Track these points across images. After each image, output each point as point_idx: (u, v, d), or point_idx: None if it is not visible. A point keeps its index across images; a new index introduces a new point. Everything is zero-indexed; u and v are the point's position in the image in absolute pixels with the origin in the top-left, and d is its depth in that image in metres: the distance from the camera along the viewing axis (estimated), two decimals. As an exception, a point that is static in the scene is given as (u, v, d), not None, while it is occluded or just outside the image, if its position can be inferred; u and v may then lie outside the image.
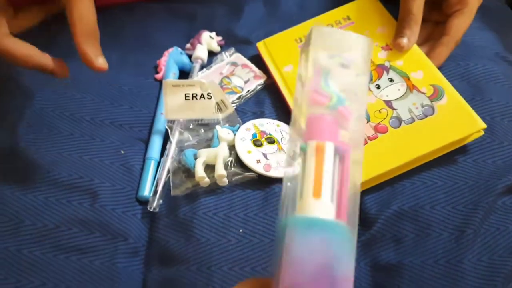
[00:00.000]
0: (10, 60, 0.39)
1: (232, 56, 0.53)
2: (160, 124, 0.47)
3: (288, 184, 0.26)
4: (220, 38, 0.55)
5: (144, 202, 0.44)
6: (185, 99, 0.46)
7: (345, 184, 0.25)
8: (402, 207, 0.41)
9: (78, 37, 0.37)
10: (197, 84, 0.46)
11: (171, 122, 0.47)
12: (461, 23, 0.47)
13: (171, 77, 0.50)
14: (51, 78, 0.41)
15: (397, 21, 0.48)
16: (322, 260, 0.22)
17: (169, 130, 0.47)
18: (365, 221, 0.41)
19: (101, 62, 0.39)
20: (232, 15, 0.56)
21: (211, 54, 0.54)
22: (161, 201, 0.43)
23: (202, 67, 0.53)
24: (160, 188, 0.43)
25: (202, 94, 0.46)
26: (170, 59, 0.52)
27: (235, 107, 0.48)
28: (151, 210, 0.42)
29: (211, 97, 0.46)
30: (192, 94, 0.46)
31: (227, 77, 0.51)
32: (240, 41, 0.55)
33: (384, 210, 0.41)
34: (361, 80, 0.28)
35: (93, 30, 0.38)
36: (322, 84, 0.27)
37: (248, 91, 0.50)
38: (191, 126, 0.47)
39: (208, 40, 0.53)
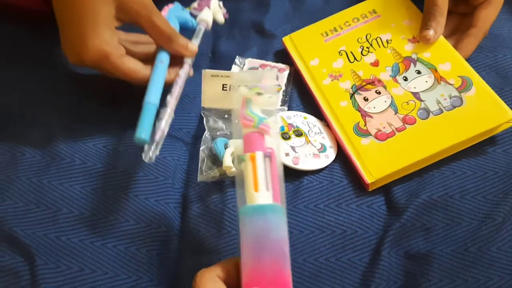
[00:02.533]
0: (131, 80, 0.44)
1: (245, 64, 0.53)
2: (159, 71, 0.45)
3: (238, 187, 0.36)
4: (225, 10, 0.52)
5: (141, 148, 0.42)
6: (222, 89, 0.47)
7: (276, 177, 0.36)
8: (432, 196, 0.41)
9: (168, 39, 0.44)
10: (235, 75, 0.47)
11: (207, 110, 0.48)
12: (488, 14, 0.47)
13: None
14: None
15: (423, 14, 0.48)
16: (264, 232, 0.33)
17: (204, 118, 0.48)
18: (395, 210, 0.41)
19: (191, 47, 0.46)
20: (258, 10, 0.57)
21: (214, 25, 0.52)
22: (157, 152, 0.40)
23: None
24: (157, 138, 0.41)
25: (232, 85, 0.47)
26: (171, 14, 0.50)
27: (286, 105, 0.49)
28: (147, 160, 0.40)
29: None
30: (230, 85, 0.47)
31: None
32: (266, 35, 0.55)
33: (414, 200, 0.41)
34: (273, 99, 0.39)
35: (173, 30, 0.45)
36: (247, 111, 0.37)
37: (285, 84, 0.51)
38: (225, 116, 0.48)
39: (216, 8, 0.52)
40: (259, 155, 0.36)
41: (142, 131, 0.41)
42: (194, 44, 0.47)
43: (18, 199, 0.42)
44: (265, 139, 0.37)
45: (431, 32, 0.47)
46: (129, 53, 0.44)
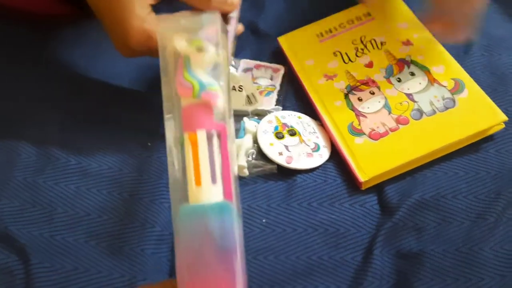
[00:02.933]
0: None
1: (240, 65, 0.53)
2: None
3: (173, 178, 0.28)
4: None
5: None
6: None
7: (227, 165, 0.27)
8: (424, 196, 0.41)
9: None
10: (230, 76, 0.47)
11: None
12: None
13: None
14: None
15: None
16: (205, 242, 0.25)
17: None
18: (387, 210, 0.42)
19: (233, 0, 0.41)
20: (253, 10, 0.57)
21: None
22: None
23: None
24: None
25: (233, 86, 0.48)
26: None
27: (281, 104, 0.49)
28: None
29: (242, 90, 0.48)
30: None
31: (253, 83, 0.51)
32: (260, 35, 0.56)
33: (406, 199, 0.41)
34: (221, 55, 0.30)
35: None
36: (185, 74, 0.28)
37: (280, 84, 0.51)
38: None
39: None
40: (201, 135, 0.27)
41: None
42: None
43: (14, 198, 0.42)
44: (211, 113, 0.28)
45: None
46: None
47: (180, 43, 0.29)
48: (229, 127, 0.28)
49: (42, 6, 0.52)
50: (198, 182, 0.27)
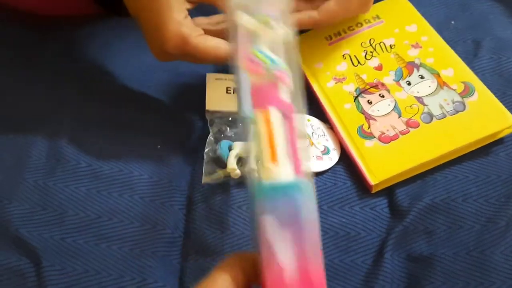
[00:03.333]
0: (200, 58, 0.41)
1: None
2: None
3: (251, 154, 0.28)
4: None
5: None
6: (226, 92, 0.47)
7: (295, 141, 0.27)
8: (434, 200, 0.41)
9: None
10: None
11: (211, 112, 0.48)
12: (331, 9, 0.45)
13: None
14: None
15: None
16: (289, 219, 0.25)
17: (208, 121, 0.48)
18: (397, 213, 0.42)
19: None
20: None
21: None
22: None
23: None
24: None
25: None
26: None
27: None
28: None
29: None
30: (234, 88, 0.47)
31: None
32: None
33: (416, 203, 0.41)
34: (289, 33, 0.29)
35: None
36: (254, 50, 0.28)
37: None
38: (230, 119, 0.49)
39: None
40: (273, 112, 0.27)
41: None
42: None
43: (24, 201, 0.42)
44: (280, 91, 0.28)
45: None
46: (210, 33, 0.42)
47: (247, 18, 0.28)
48: (300, 107, 0.28)
49: (62, 5, 0.52)
50: (274, 159, 0.26)
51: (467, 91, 0.45)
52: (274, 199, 0.26)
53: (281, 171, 0.26)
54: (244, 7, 0.29)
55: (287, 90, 0.28)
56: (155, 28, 0.40)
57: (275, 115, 0.27)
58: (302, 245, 0.25)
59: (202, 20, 0.44)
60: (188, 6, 0.41)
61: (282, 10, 0.30)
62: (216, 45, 0.40)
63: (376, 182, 0.42)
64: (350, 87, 0.48)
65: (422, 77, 0.47)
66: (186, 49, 0.40)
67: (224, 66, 0.53)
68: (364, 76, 0.48)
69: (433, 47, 0.48)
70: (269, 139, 0.27)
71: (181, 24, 0.39)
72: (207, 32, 0.42)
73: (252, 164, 0.43)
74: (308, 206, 0.26)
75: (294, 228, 0.25)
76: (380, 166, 0.43)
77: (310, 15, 0.45)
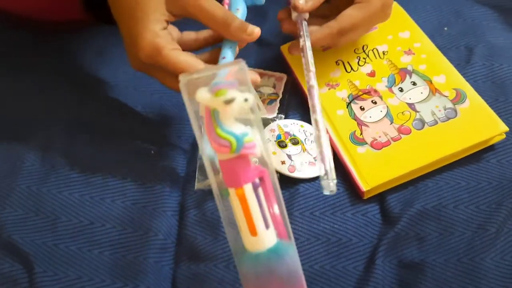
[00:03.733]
0: (170, 72, 0.40)
1: None
2: None
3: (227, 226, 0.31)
4: None
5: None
6: None
7: (273, 206, 0.29)
8: (425, 206, 0.42)
9: (224, 23, 0.41)
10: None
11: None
12: (352, 14, 0.44)
13: (236, 14, 0.43)
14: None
15: None
16: (274, 280, 0.28)
17: (202, 127, 0.48)
18: (389, 219, 0.42)
19: (251, 29, 0.42)
20: (256, 19, 0.57)
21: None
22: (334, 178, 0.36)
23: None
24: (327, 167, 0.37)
25: None
26: None
27: (283, 113, 0.49)
28: (328, 193, 0.36)
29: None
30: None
31: (256, 91, 0.51)
32: (263, 43, 0.56)
33: (408, 209, 0.42)
34: (250, 102, 0.29)
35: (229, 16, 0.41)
36: (217, 129, 0.28)
37: (283, 92, 0.51)
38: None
39: None
40: (248, 189, 0.28)
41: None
42: (255, 27, 0.41)
43: (18, 207, 0.43)
44: (251, 162, 0.30)
45: (301, 1, 0.44)
46: (187, 48, 0.42)
47: (204, 96, 0.28)
48: (269, 164, 0.29)
49: (57, 11, 0.53)
50: (253, 232, 0.28)
51: (459, 98, 0.45)
52: (257, 264, 0.28)
53: (262, 241, 0.28)
54: (198, 83, 0.29)
55: (256, 159, 0.29)
56: (132, 35, 0.40)
57: (249, 191, 0.28)
58: None
59: (190, 35, 0.45)
60: (169, 18, 0.41)
61: (240, 79, 0.30)
62: (187, 62, 0.39)
63: (368, 188, 0.42)
64: (343, 93, 0.48)
65: (414, 84, 0.47)
66: (158, 60, 0.40)
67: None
68: (357, 83, 0.49)
69: (426, 53, 0.49)
70: (246, 216, 0.28)
71: (157, 35, 0.39)
72: (191, 47, 0.42)
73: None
74: (290, 263, 0.28)
75: (283, 284, 0.28)
76: (372, 172, 0.43)
77: (328, 25, 0.45)
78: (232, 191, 0.28)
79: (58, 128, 0.47)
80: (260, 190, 0.29)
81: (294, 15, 0.46)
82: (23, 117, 0.49)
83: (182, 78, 0.30)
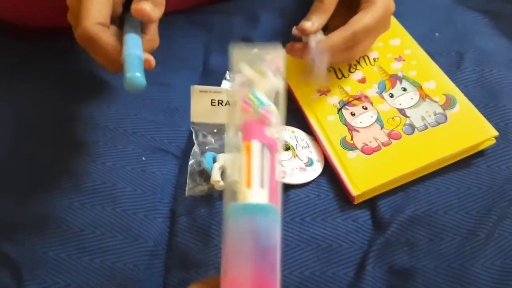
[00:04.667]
0: (92, 49, 0.39)
1: (235, 79, 0.53)
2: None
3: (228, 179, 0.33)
4: None
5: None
6: (211, 104, 0.48)
7: (274, 173, 0.31)
8: (416, 212, 0.42)
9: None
10: (224, 91, 0.48)
11: (196, 124, 0.49)
12: (360, 18, 0.45)
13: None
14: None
15: (311, 7, 0.47)
16: (251, 237, 0.29)
17: (193, 133, 0.48)
18: (379, 225, 0.42)
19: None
20: (249, 25, 0.58)
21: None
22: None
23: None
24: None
25: (228, 100, 0.48)
26: None
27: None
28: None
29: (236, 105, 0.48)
30: (218, 100, 0.48)
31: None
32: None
33: (398, 215, 0.42)
34: (278, 82, 0.35)
35: None
36: (249, 94, 0.33)
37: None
38: (215, 131, 0.49)
39: None
40: (255, 144, 0.31)
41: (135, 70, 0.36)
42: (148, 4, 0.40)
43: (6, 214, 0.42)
44: (265, 127, 0.32)
45: (308, 24, 0.45)
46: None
47: (246, 68, 0.34)
48: (279, 142, 0.33)
49: (52, 17, 0.53)
50: (248, 184, 0.30)
51: (449, 103, 0.45)
52: (241, 217, 0.29)
53: (254, 195, 0.30)
54: (247, 60, 0.35)
55: (271, 127, 0.33)
56: (75, 16, 0.39)
57: (256, 147, 0.31)
58: (258, 263, 0.28)
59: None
60: (109, 11, 0.39)
61: (277, 66, 0.35)
62: (113, 43, 0.38)
63: (358, 193, 0.42)
64: (334, 99, 0.48)
65: (404, 90, 0.47)
66: (90, 46, 0.39)
67: (209, 79, 0.54)
68: (347, 89, 0.49)
69: (416, 60, 0.49)
70: (247, 168, 0.30)
71: (92, 24, 0.37)
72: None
73: (234, 176, 0.44)
74: (270, 228, 0.29)
75: (254, 247, 0.28)
76: (362, 177, 0.43)
77: (341, 29, 0.44)
78: (242, 145, 0.31)
79: (48, 133, 0.47)
80: (266, 152, 0.31)
81: (307, 40, 0.45)
82: (15, 121, 0.49)
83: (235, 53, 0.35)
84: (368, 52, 0.51)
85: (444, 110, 0.45)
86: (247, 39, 0.57)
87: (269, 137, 0.32)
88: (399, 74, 0.48)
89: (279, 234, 0.29)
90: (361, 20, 0.44)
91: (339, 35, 0.44)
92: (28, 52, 0.54)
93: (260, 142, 0.31)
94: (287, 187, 0.45)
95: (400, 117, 0.46)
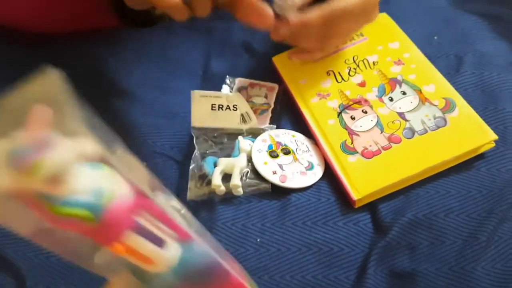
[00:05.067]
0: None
1: (235, 83, 0.53)
2: None
3: None
4: None
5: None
6: (211, 109, 0.48)
7: (164, 219, 0.26)
8: (417, 215, 0.42)
9: None
10: (224, 96, 0.49)
11: (197, 129, 0.49)
12: None
13: None
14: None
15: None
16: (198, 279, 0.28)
17: (194, 137, 0.48)
18: (380, 229, 0.42)
19: None
20: (248, 30, 0.58)
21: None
22: None
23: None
24: None
25: (228, 105, 0.48)
26: None
27: (275, 123, 0.50)
28: None
29: (236, 109, 0.49)
30: (218, 105, 0.48)
31: (248, 101, 0.51)
32: (255, 54, 0.56)
33: (399, 218, 0.42)
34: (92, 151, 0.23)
35: None
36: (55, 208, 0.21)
37: (274, 102, 0.51)
38: (215, 135, 0.49)
39: None
40: (128, 235, 0.24)
41: None
42: None
43: None
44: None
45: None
46: None
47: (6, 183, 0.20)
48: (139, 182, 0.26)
49: (53, 22, 0.53)
50: (149, 262, 0.25)
51: (448, 106, 0.46)
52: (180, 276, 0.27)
53: (164, 261, 0.26)
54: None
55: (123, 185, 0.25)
56: None
57: (129, 236, 0.25)
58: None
59: None
60: None
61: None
62: None
63: (359, 197, 0.43)
64: (334, 103, 0.49)
65: (404, 93, 0.47)
66: None
67: (209, 84, 0.54)
68: (347, 92, 0.49)
69: (415, 63, 0.49)
70: (136, 255, 0.25)
71: None
72: None
73: (235, 180, 0.44)
74: (200, 257, 0.28)
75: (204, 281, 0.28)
76: (362, 181, 0.43)
77: (320, 6, 0.43)
78: (111, 250, 0.24)
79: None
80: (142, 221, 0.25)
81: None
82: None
83: None
84: (367, 56, 0.51)
85: (443, 113, 0.45)
86: (247, 44, 0.57)
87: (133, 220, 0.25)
88: (399, 77, 0.49)
89: (211, 253, 0.28)
90: (342, 0, 0.43)
91: (317, 10, 0.43)
92: (24, 57, 0.54)
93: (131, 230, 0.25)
94: (288, 191, 0.45)
95: (400, 121, 0.46)
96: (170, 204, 0.28)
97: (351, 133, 0.46)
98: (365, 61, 0.51)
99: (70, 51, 0.55)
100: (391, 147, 0.45)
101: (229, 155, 0.47)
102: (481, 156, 0.44)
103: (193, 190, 0.45)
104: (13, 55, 0.54)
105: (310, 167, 0.46)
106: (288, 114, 0.51)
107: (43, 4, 0.49)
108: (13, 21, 0.53)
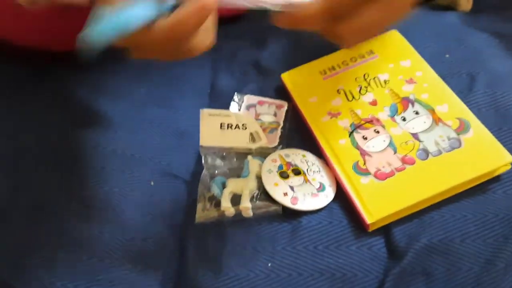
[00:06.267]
0: None
1: (244, 101, 0.53)
2: None
3: None
4: None
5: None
6: (220, 128, 0.47)
7: None
8: (432, 240, 0.41)
9: None
10: (233, 114, 0.48)
11: (205, 148, 0.48)
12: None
13: None
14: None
15: None
16: None
17: (202, 156, 0.48)
18: (394, 253, 0.41)
19: None
20: (257, 47, 0.57)
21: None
22: None
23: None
24: None
25: (237, 124, 0.48)
26: None
27: (285, 142, 0.49)
28: None
29: (245, 128, 0.48)
30: (227, 124, 0.47)
31: (257, 119, 0.51)
32: (263, 71, 0.56)
33: (414, 243, 0.41)
34: None
35: None
36: None
37: (284, 121, 0.51)
38: (224, 154, 0.48)
39: None
40: None
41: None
42: None
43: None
44: None
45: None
46: None
47: None
48: None
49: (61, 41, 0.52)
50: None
51: (463, 127, 0.45)
52: None
53: None
54: None
55: None
56: None
57: None
58: None
59: None
60: None
61: None
62: None
63: (373, 221, 0.42)
64: (345, 122, 0.48)
65: (417, 113, 0.47)
66: None
67: (217, 101, 0.54)
68: (358, 111, 0.48)
69: (428, 82, 0.48)
70: None
71: None
72: None
73: (245, 202, 0.43)
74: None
75: None
76: (376, 204, 0.42)
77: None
78: None
79: (53, 157, 0.47)
80: None
81: None
82: (17, 145, 0.48)
83: None
84: (378, 74, 0.50)
85: (458, 134, 0.44)
86: (255, 62, 0.56)
87: None
88: (411, 97, 0.48)
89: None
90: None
91: (313, 8, 0.36)
92: (29, 77, 0.54)
93: None
94: (299, 214, 0.44)
95: (414, 142, 0.45)
96: None
97: (363, 153, 0.45)
98: (376, 79, 0.50)
99: (72, 70, 0.55)
100: (404, 168, 0.44)
101: (238, 175, 0.46)
102: (497, 178, 0.43)
103: (202, 213, 0.44)
104: (16, 73, 0.54)
105: (322, 188, 0.45)
106: (297, 133, 0.50)
107: (48, 25, 0.49)
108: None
